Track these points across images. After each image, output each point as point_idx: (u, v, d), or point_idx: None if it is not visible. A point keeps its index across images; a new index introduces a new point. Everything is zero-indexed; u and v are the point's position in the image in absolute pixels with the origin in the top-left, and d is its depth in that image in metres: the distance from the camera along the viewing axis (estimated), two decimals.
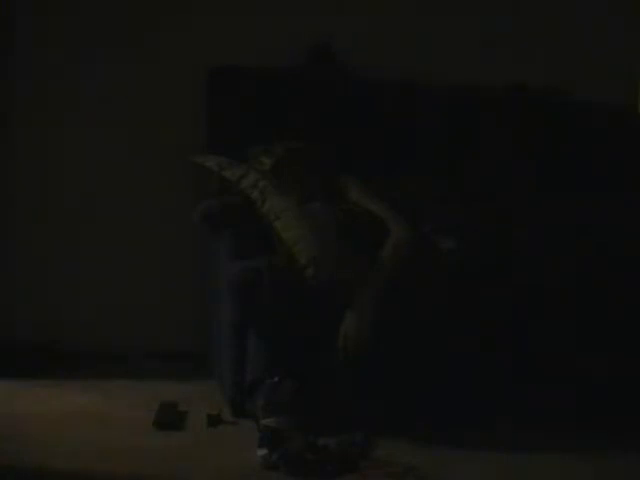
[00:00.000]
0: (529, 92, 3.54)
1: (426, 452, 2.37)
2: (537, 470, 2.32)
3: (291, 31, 3.45)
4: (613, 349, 2.68)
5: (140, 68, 3.45)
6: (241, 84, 3.25)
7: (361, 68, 3.36)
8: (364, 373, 2.52)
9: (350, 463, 2.25)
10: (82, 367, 3.21)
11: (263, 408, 2.36)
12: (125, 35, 3.44)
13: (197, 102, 3.25)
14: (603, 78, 3.71)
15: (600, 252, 2.81)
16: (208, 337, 3.09)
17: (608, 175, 3.42)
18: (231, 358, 2.64)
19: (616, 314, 2.69)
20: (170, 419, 2.59)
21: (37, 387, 2.94)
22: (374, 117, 3.31)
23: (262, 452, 2.25)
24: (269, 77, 3.28)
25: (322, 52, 3.41)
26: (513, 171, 3.33)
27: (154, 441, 2.42)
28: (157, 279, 3.48)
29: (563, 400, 2.64)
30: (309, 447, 2.25)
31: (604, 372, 2.66)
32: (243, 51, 3.40)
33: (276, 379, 2.41)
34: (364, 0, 3.61)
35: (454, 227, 2.79)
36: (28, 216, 3.43)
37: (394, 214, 2.71)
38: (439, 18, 3.66)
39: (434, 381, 2.58)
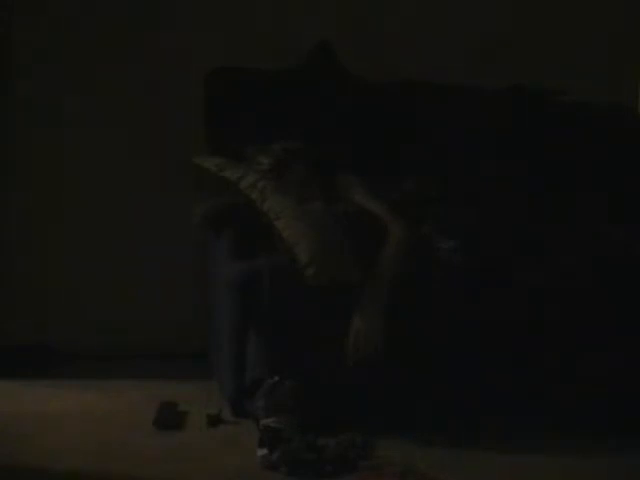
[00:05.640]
0: (528, 93, 3.53)
1: (426, 452, 2.37)
2: (537, 470, 2.32)
3: (291, 31, 3.45)
4: (613, 349, 2.68)
5: (140, 68, 3.45)
6: (241, 84, 3.24)
7: (361, 68, 3.36)
8: (370, 374, 2.52)
9: (350, 463, 2.25)
10: (82, 367, 3.20)
11: (263, 408, 2.36)
12: (125, 35, 3.44)
13: (197, 102, 3.25)
14: (603, 78, 3.71)
15: (600, 252, 2.81)
16: (208, 337, 3.09)
17: (608, 175, 3.41)
18: (231, 358, 2.64)
19: (616, 314, 2.69)
20: (170, 419, 2.59)
21: (37, 387, 2.94)
22: (374, 117, 3.31)
23: (262, 452, 2.25)
24: (269, 77, 3.27)
25: (322, 52, 3.41)
26: (513, 171, 3.32)
27: (154, 441, 2.42)
28: (157, 279, 3.48)
29: (563, 400, 2.64)
30: (309, 447, 2.25)
31: (604, 372, 2.66)
32: (243, 51, 3.40)
33: (276, 379, 2.41)
34: (364, 0, 3.61)
35: (454, 227, 2.78)
36: (28, 216, 3.43)
37: (394, 214, 2.71)
38: (439, 18, 3.66)
39: (434, 381, 2.58)
